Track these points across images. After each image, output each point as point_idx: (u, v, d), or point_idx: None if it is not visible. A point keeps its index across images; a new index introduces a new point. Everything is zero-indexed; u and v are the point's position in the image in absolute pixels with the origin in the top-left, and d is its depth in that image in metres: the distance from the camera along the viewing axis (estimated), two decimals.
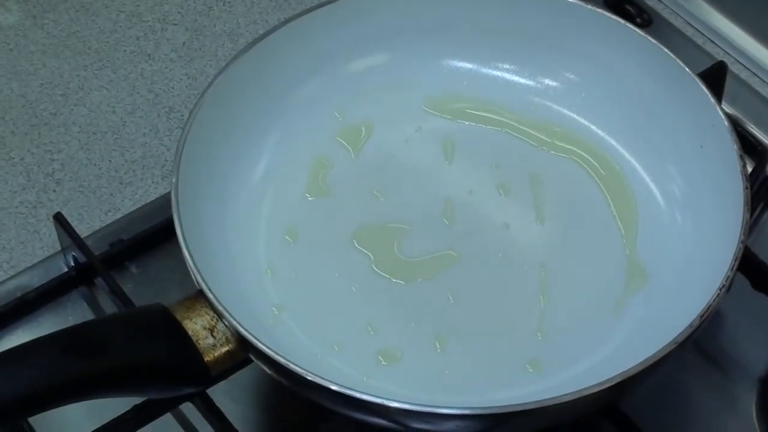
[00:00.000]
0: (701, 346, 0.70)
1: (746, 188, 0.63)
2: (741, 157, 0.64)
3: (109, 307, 0.71)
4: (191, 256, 0.60)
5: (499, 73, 0.74)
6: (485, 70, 0.74)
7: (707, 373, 0.70)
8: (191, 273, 0.60)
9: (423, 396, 0.61)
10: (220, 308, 0.59)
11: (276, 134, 0.72)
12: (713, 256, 0.62)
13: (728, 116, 0.66)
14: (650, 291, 0.66)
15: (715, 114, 0.66)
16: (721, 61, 0.79)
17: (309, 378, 0.57)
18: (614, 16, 0.71)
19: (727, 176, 0.64)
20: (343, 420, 0.60)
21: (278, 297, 0.66)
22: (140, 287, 0.72)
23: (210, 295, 0.59)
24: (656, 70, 0.69)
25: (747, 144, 0.77)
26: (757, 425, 0.67)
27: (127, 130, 0.81)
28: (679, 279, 0.65)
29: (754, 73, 0.84)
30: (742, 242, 0.61)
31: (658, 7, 0.88)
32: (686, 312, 0.59)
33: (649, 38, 0.69)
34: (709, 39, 0.87)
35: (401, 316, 0.66)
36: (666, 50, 0.69)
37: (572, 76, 0.73)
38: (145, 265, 0.73)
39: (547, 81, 0.74)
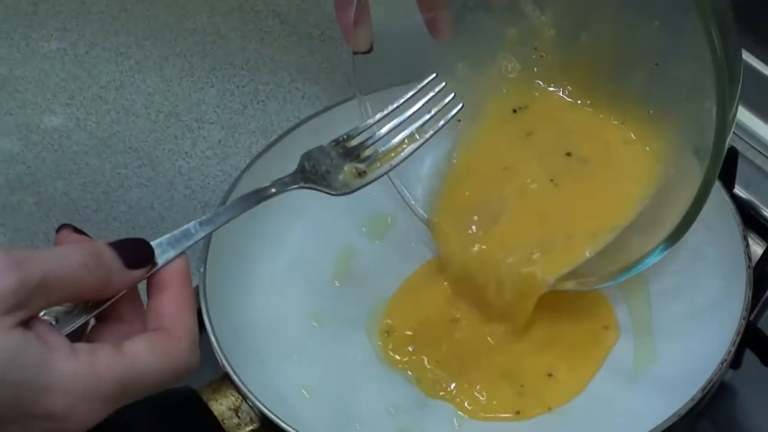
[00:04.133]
0: (714, 421, 0.71)
1: (749, 267, 0.65)
2: (744, 238, 0.67)
3: None
4: (217, 340, 0.64)
5: None
6: None
7: None
8: (217, 356, 0.63)
9: None
10: (244, 389, 0.62)
11: (302, 223, 0.75)
12: (719, 333, 0.64)
13: (734, 198, 0.69)
14: (659, 367, 0.68)
15: (720, 197, 0.69)
16: (732, 147, 0.81)
17: None
18: None
19: (732, 256, 0.67)
20: None
21: (302, 378, 0.68)
22: None
23: (234, 378, 0.62)
24: None
25: (761, 227, 0.79)
26: None
27: (164, 224, 0.84)
28: (686, 354, 0.67)
29: None
30: (744, 318, 0.63)
31: None
32: (691, 386, 0.61)
33: None
34: None
35: (420, 397, 0.68)
36: None
37: None
38: None
39: None
